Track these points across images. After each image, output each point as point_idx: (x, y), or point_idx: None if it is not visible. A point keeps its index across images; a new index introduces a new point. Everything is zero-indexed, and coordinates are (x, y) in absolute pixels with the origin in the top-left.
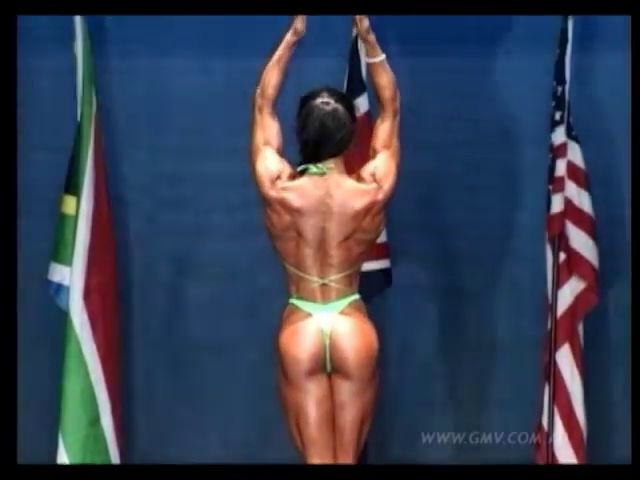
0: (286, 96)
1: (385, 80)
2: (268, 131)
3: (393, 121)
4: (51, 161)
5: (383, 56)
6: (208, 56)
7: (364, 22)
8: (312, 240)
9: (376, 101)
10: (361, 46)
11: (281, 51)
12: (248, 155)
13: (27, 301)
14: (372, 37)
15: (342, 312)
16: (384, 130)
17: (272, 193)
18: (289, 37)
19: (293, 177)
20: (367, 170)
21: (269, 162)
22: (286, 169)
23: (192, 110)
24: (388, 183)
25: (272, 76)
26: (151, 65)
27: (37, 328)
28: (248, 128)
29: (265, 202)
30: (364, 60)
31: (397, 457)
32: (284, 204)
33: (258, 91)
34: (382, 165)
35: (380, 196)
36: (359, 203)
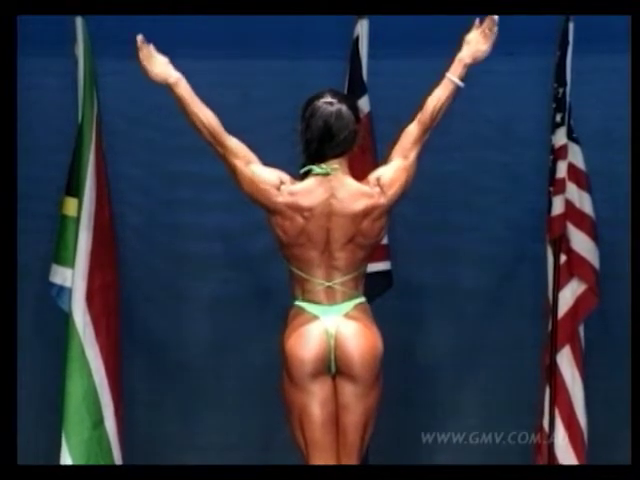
0: (286, 98)
1: (443, 98)
2: (241, 154)
3: (422, 135)
4: (52, 163)
5: (462, 84)
6: (208, 57)
7: (488, 45)
8: (318, 242)
9: (419, 109)
10: (362, 47)
11: (179, 92)
12: (238, 186)
13: (28, 303)
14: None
15: (347, 314)
16: (410, 139)
17: (280, 199)
18: (171, 83)
19: (294, 182)
20: (374, 174)
21: (264, 174)
22: (284, 175)
23: None
24: (393, 190)
25: (201, 112)
26: None
27: (37, 329)
28: (246, 131)
29: (274, 212)
30: (455, 83)
31: (397, 457)
32: (294, 206)
33: (204, 134)
34: (391, 172)
35: (382, 200)
36: (359, 205)
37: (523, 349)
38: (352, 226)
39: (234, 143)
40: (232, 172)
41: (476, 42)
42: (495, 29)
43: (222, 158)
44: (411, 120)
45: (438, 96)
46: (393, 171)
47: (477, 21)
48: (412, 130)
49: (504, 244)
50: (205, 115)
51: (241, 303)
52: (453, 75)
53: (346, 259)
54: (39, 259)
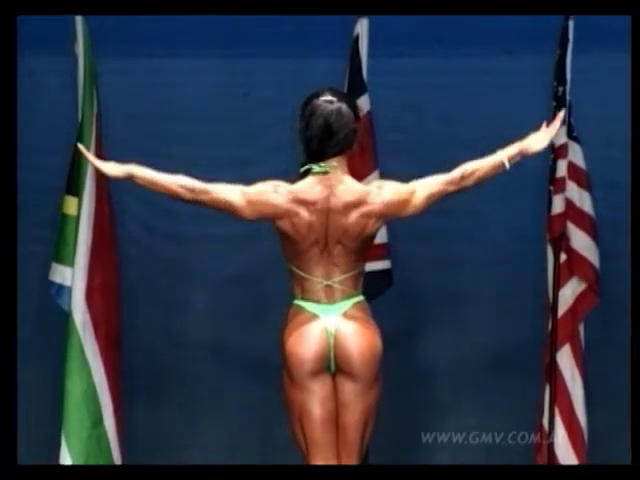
0: (286, 97)
1: (483, 168)
2: (228, 188)
3: (445, 187)
4: (52, 161)
5: (507, 166)
6: (208, 56)
7: (547, 142)
8: (320, 240)
9: (458, 171)
10: (362, 47)
11: (143, 174)
12: (241, 216)
13: (28, 302)
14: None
15: (346, 313)
16: (431, 182)
17: (282, 199)
18: (130, 169)
19: (289, 185)
20: (380, 181)
21: (256, 187)
22: (276, 181)
23: (193, 110)
24: (389, 197)
25: (171, 178)
26: (152, 65)
27: (37, 329)
28: (246, 130)
29: (280, 215)
30: (500, 159)
31: (397, 457)
32: (298, 200)
33: (185, 194)
34: (397, 187)
35: (376, 199)
36: (352, 196)
37: (523, 348)
38: (343, 219)
39: (214, 185)
40: (228, 207)
41: (536, 139)
42: (557, 125)
43: (213, 203)
44: (446, 174)
45: (480, 164)
46: (400, 188)
47: (544, 123)
48: (439, 177)
49: (504, 243)
50: (176, 178)
51: (241, 302)
52: (504, 154)
53: (343, 257)
54: (39, 258)
